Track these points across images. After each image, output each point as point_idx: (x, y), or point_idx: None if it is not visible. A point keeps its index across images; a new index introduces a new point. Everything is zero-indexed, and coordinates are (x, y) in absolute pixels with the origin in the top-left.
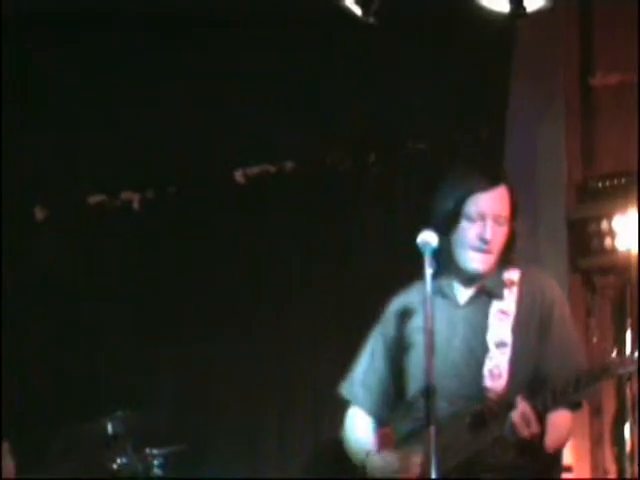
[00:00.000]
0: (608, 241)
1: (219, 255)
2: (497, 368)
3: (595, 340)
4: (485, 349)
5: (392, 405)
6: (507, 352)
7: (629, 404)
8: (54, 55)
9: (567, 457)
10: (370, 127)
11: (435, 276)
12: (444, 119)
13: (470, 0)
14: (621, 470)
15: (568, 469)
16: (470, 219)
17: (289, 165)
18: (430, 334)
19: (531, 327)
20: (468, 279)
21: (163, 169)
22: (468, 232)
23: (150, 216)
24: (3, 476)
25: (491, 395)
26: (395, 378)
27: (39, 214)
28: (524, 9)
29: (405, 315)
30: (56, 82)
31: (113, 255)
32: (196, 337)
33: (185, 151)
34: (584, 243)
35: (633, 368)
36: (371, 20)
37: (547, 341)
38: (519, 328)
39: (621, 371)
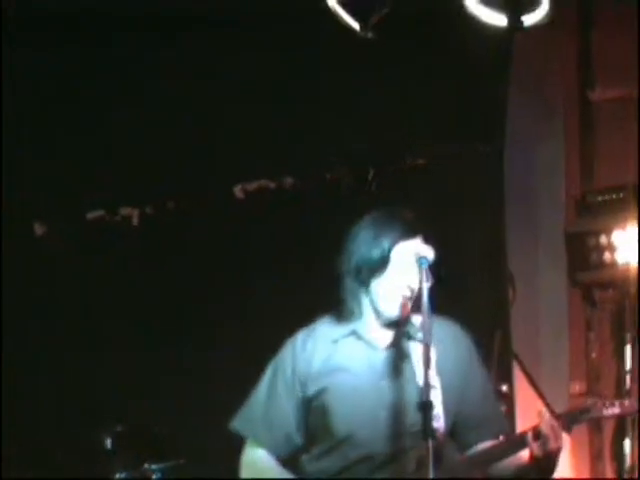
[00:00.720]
0: (607, 255)
1: (218, 269)
2: (435, 410)
3: (594, 355)
4: (418, 390)
5: (293, 449)
6: (438, 395)
7: (629, 420)
8: (53, 68)
9: (567, 472)
10: (369, 143)
11: (345, 319)
12: (443, 135)
13: (467, 14)
14: None
15: None
16: (397, 267)
17: (288, 181)
18: (427, 348)
19: (452, 371)
20: (387, 324)
21: (162, 185)
22: (396, 279)
23: (149, 232)
24: None
25: (437, 434)
26: (297, 417)
27: (38, 229)
28: (522, 23)
29: (311, 354)
30: (55, 95)
31: (112, 270)
32: (195, 351)
33: (184, 166)
34: (583, 257)
35: (615, 409)
36: (369, 35)
37: (467, 386)
38: (441, 371)
39: (604, 413)
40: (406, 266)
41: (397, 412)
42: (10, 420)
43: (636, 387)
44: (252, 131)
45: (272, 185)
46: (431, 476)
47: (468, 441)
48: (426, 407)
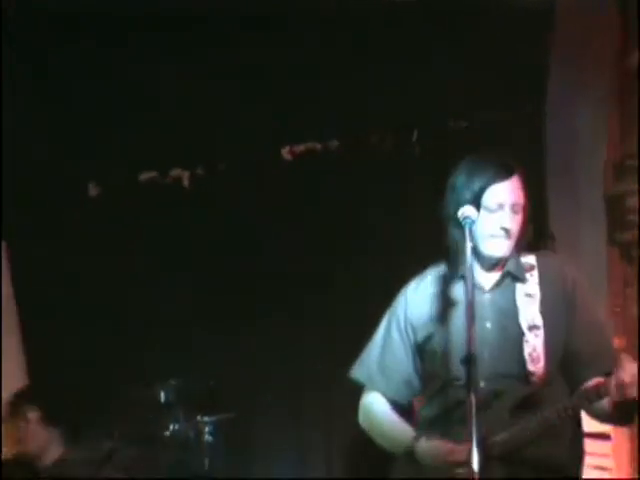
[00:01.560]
0: None
1: (267, 231)
2: (535, 351)
3: (633, 310)
4: (520, 332)
5: (416, 387)
6: (540, 334)
7: None
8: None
9: (604, 425)
10: (413, 107)
11: (451, 264)
12: (487, 99)
13: None
14: None
15: (607, 437)
16: (489, 210)
17: (334, 143)
18: (471, 305)
19: (557, 308)
20: (490, 265)
21: (212, 147)
22: (488, 222)
23: (200, 193)
24: (33, 445)
25: (534, 379)
26: (413, 362)
27: (92, 190)
28: None
29: (423, 300)
30: (106, 64)
31: (163, 231)
32: (245, 310)
33: (233, 129)
34: (621, 218)
35: None
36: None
37: (574, 321)
38: (546, 310)
39: None
40: (498, 209)
41: (498, 354)
42: (73, 377)
43: None
44: (298, 94)
45: (319, 146)
46: (474, 442)
47: (578, 379)
48: (470, 360)
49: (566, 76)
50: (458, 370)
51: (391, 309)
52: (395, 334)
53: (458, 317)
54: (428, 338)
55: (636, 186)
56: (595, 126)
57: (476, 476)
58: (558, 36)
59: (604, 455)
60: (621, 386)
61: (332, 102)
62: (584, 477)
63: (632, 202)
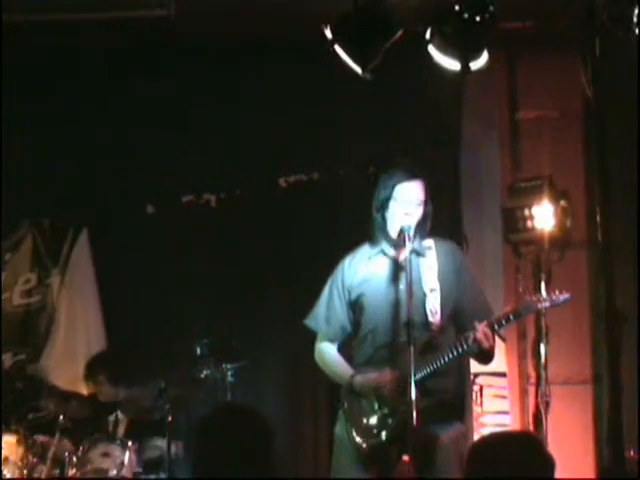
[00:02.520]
0: (529, 223)
1: (272, 241)
2: (433, 307)
3: (520, 289)
4: (423, 293)
5: (349, 331)
6: (437, 296)
7: (543, 330)
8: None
9: (503, 367)
10: (368, 148)
11: (374, 242)
12: (421, 142)
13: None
14: (538, 376)
15: (503, 375)
16: (399, 201)
17: (315, 175)
18: (410, 283)
19: (449, 278)
20: (399, 243)
21: (231, 176)
22: (399, 210)
23: (223, 211)
24: (102, 396)
25: (433, 327)
26: (348, 313)
27: (149, 209)
28: (469, 68)
29: (357, 266)
30: (154, 100)
31: (198, 238)
32: (258, 294)
33: (246, 164)
34: (513, 224)
35: (546, 304)
36: (368, 77)
37: (461, 288)
38: (441, 278)
39: (539, 306)
40: (406, 201)
41: (407, 309)
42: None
43: None
44: (291, 137)
45: (304, 178)
46: (412, 379)
47: (463, 329)
48: (409, 324)
49: (473, 125)
50: (380, 321)
51: (332, 277)
52: (335, 295)
53: (379, 281)
54: (358, 296)
55: (523, 202)
56: (493, 159)
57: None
58: (466, 99)
59: (502, 387)
60: (477, 341)
61: (314, 145)
62: (487, 403)
63: (520, 214)
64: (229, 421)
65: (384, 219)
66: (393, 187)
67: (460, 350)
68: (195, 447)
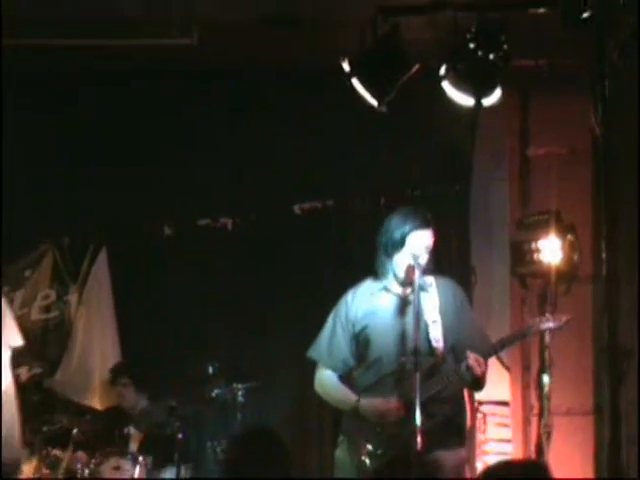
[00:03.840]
0: (536, 256)
1: (285, 265)
2: (436, 336)
3: (527, 320)
4: (426, 324)
5: (351, 364)
6: (439, 327)
7: (547, 362)
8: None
9: (506, 396)
10: (380, 180)
11: (379, 278)
12: (434, 177)
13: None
14: (541, 406)
15: (507, 404)
16: (409, 247)
17: (330, 203)
18: (417, 313)
19: (449, 312)
20: (405, 283)
21: (247, 202)
22: (408, 255)
23: (238, 235)
24: (126, 402)
25: (437, 353)
26: (351, 345)
27: (167, 231)
28: (482, 104)
29: (360, 300)
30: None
31: (214, 263)
32: (269, 317)
33: (261, 191)
34: (521, 257)
35: (549, 324)
36: (384, 110)
37: (460, 321)
38: (442, 312)
39: (541, 327)
40: (416, 247)
41: (411, 340)
42: (151, 358)
43: None
44: (303, 167)
45: (319, 205)
46: (417, 403)
47: (461, 358)
48: (415, 352)
49: (484, 159)
50: (385, 351)
51: (335, 311)
52: (338, 328)
53: (385, 314)
54: (363, 328)
55: (530, 236)
56: (503, 194)
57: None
58: (479, 136)
59: (505, 416)
60: (469, 368)
61: (329, 174)
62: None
63: (528, 247)
64: (255, 450)
65: (392, 260)
66: (405, 235)
67: (455, 376)
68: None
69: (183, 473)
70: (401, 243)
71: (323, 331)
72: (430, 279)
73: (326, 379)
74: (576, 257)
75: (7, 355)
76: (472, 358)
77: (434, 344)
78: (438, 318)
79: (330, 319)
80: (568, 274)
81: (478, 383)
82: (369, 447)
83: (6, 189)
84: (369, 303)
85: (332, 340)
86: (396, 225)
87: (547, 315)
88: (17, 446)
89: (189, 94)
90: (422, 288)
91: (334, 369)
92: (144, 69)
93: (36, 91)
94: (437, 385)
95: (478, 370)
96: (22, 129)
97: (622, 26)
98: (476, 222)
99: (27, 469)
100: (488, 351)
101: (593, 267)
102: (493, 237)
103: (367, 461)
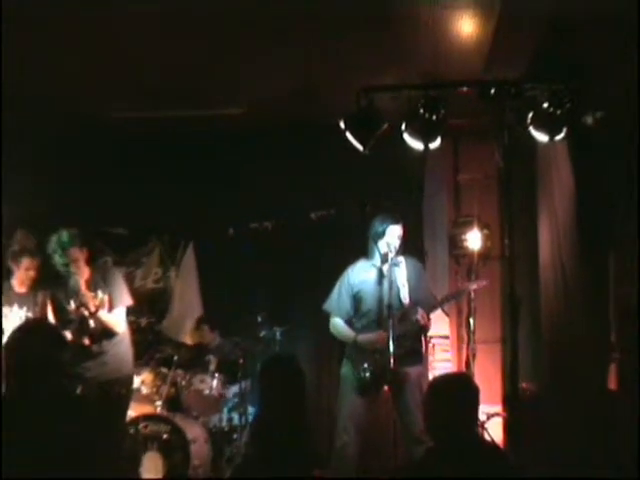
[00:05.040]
0: (464, 243)
1: (306, 253)
2: (405, 296)
3: (459, 285)
4: (398, 287)
5: (351, 314)
6: (406, 290)
7: (472, 309)
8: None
9: (447, 332)
10: (366, 194)
11: (368, 258)
12: (399, 191)
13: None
14: (469, 338)
15: (447, 337)
16: (388, 236)
17: (333, 211)
18: (390, 281)
19: (412, 279)
20: (384, 260)
21: (281, 210)
22: (386, 242)
23: (276, 234)
24: (206, 340)
25: (405, 306)
26: (351, 302)
27: (231, 231)
28: (429, 147)
29: (357, 272)
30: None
31: (261, 252)
32: (296, 286)
33: (290, 203)
34: (455, 244)
35: (473, 286)
36: (367, 152)
37: (418, 285)
38: (408, 279)
39: (468, 288)
40: (391, 237)
41: (388, 299)
42: (216, 310)
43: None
44: (317, 187)
45: (326, 212)
46: (396, 326)
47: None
48: (389, 307)
49: (431, 182)
50: (372, 305)
51: (340, 279)
52: (343, 290)
53: (371, 282)
54: (359, 291)
55: (461, 231)
56: (443, 203)
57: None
58: (427, 166)
59: (446, 345)
60: (417, 321)
61: (332, 191)
62: (437, 355)
63: (459, 238)
64: (281, 365)
65: (377, 245)
66: (385, 228)
67: (411, 325)
68: (260, 380)
69: (243, 385)
70: (382, 234)
71: (332, 292)
72: (401, 258)
73: (336, 323)
74: (489, 244)
75: (124, 310)
76: (419, 314)
77: (403, 301)
78: (406, 284)
79: (337, 284)
80: (484, 255)
81: (424, 329)
82: (364, 365)
83: (135, 205)
84: (362, 274)
85: (339, 298)
86: (379, 223)
87: (472, 281)
88: (130, 367)
89: (242, 144)
90: (395, 264)
91: (341, 317)
92: (210, 130)
93: (146, 141)
94: (406, 327)
95: (422, 322)
96: (141, 169)
97: (516, 98)
98: (426, 221)
99: (146, 381)
100: (434, 305)
101: (500, 250)
102: (437, 231)
103: (362, 375)
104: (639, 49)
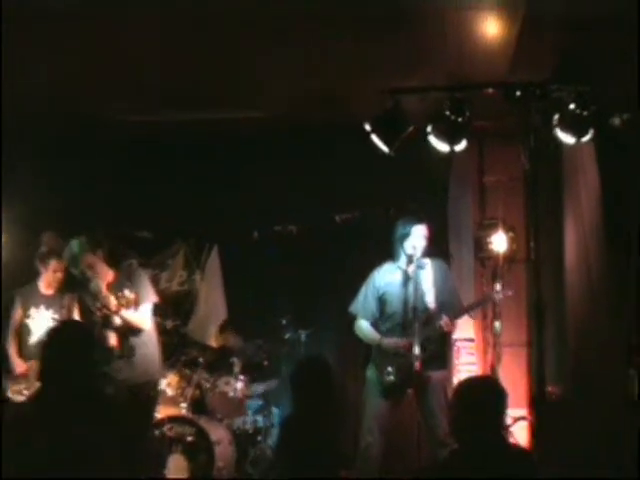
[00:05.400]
0: (490, 246)
1: (330, 253)
2: (430, 298)
3: (485, 288)
4: (423, 291)
5: (377, 316)
6: (432, 293)
7: (498, 313)
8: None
9: (472, 335)
10: (389, 197)
11: (394, 260)
12: (424, 194)
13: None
14: (494, 341)
15: (472, 340)
16: (413, 237)
17: (357, 214)
18: (416, 284)
19: (438, 282)
20: (410, 262)
21: (306, 214)
22: (411, 243)
23: (300, 238)
24: (230, 343)
25: (430, 310)
26: (377, 304)
27: (255, 234)
28: (454, 150)
29: (382, 275)
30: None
31: (286, 254)
32: (322, 288)
33: (315, 207)
34: (480, 247)
35: (499, 296)
36: (392, 154)
37: (444, 288)
38: (434, 282)
39: (494, 297)
40: (416, 237)
41: (413, 301)
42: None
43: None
44: (341, 191)
45: (350, 215)
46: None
47: (446, 313)
48: (414, 309)
49: (457, 184)
50: (397, 308)
51: (366, 281)
52: (369, 292)
53: (397, 284)
54: (384, 293)
55: (486, 233)
56: (468, 206)
57: (419, 358)
58: (453, 168)
59: (472, 348)
60: (441, 327)
61: (357, 194)
62: (462, 358)
63: (485, 240)
64: (313, 368)
65: (402, 247)
66: (409, 229)
67: (434, 331)
68: (292, 381)
69: (268, 388)
70: (407, 235)
71: (359, 295)
72: (426, 260)
73: (362, 325)
74: (515, 247)
75: (149, 306)
76: (443, 320)
77: (429, 305)
78: (432, 287)
79: (363, 287)
80: (510, 257)
81: (449, 334)
82: (389, 368)
83: (160, 208)
84: (388, 276)
85: (365, 300)
86: (403, 224)
87: (497, 290)
88: (158, 368)
89: (266, 147)
90: (421, 266)
91: (366, 319)
92: (239, 133)
93: (172, 145)
94: (431, 331)
95: (446, 329)
96: (167, 172)
97: (541, 100)
98: (451, 224)
99: (171, 383)
100: (460, 310)
101: (525, 253)
102: (462, 233)
103: (386, 377)
104: (639, 49)
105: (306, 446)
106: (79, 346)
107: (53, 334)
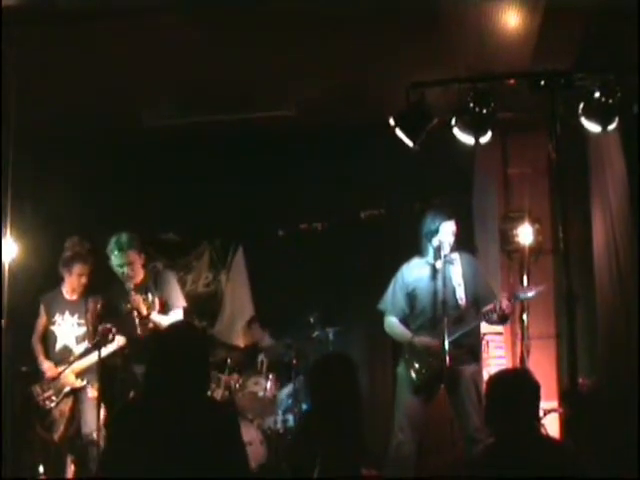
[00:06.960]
0: (515, 238)
1: (356, 250)
2: (461, 295)
3: (511, 281)
4: (453, 286)
5: (406, 312)
6: (462, 288)
7: (526, 305)
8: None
9: (500, 329)
10: (415, 192)
11: (422, 255)
12: (449, 188)
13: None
14: (523, 334)
15: (501, 333)
16: (442, 233)
17: (382, 210)
18: (444, 279)
19: (468, 276)
20: (438, 258)
21: (331, 211)
22: (440, 239)
23: (325, 235)
24: (254, 339)
25: (461, 307)
26: (406, 300)
27: (280, 232)
28: (479, 142)
29: (411, 270)
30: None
31: (310, 251)
32: (349, 285)
33: (340, 203)
34: (506, 239)
35: (531, 294)
36: (417, 148)
37: (476, 282)
38: (464, 277)
39: (523, 296)
40: (445, 233)
41: (443, 296)
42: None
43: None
44: (367, 188)
45: (375, 212)
46: (446, 340)
47: (478, 308)
48: (444, 303)
49: (481, 177)
50: (427, 303)
51: (395, 277)
52: (397, 288)
53: (426, 280)
54: (413, 289)
55: (511, 225)
56: (493, 198)
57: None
58: (478, 161)
59: (500, 341)
60: (500, 309)
61: (382, 190)
62: (491, 352)
63: (510, 233)
64: (334, 364)
65: (431, 243)
66: (438, 225)
67: (489, 316)
68: (311, 379)
69: (297, 386)
70: (436, 231)
71: (387, 291)
72: (455, 255)
73: (391, 322)
74: (541, 238)
75: (180, 312)
76: (507, 303)
77: (459, 301)
78: (462, 282)
79: (392, 283)
80: (536, 250)
81: (506, 318)
82: (419, 365)
83: (186, 210)
84: (416, 272)
85: (394, 297)
86: (432, 220)
87: (528, 287)
88: None
89: (289, 146)
90: (450, 261)
91: (396, 315)
92: (266, 132)
93: (195, 146)
94: (463, 327)
95: (508, 310)
96: (190, 174)
97: (566, 89)
98: (476, 216)
99: None
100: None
101: (552, 244)
102: (487, 226)
103: (417, 374)
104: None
105: (321, 443)
106: (198, 344)
107: (174, 330)
